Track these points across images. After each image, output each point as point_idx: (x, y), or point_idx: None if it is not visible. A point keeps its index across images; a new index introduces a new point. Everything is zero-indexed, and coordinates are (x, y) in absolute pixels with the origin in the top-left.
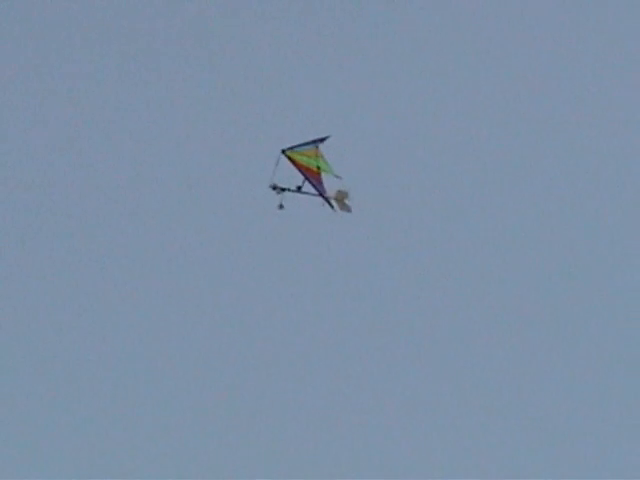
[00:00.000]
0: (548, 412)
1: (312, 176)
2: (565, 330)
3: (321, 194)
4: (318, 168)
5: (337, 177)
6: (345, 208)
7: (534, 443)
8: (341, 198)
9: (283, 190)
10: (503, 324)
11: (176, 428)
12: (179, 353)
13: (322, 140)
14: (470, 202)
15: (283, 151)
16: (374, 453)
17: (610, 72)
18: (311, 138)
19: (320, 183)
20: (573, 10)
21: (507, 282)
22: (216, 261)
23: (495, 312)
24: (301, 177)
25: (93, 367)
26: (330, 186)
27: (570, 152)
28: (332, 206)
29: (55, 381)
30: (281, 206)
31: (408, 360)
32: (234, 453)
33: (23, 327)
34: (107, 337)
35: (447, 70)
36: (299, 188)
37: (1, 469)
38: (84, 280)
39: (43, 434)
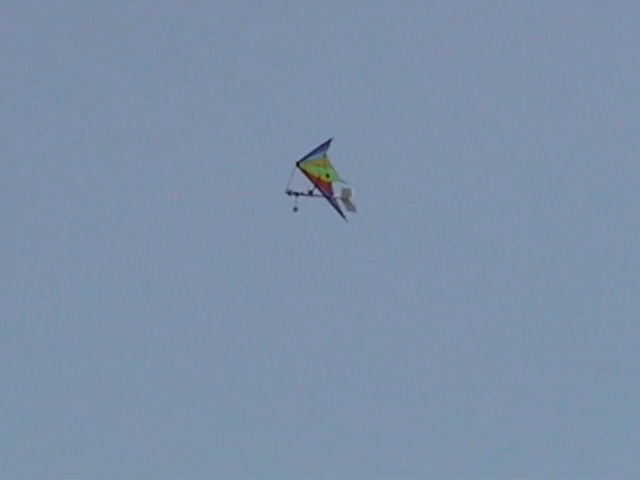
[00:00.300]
0: (546, 414)
1: (324, 187)
2: (565, 334)
3: (332, 203)
4: (327, 176)
5: (343, 182)
6: (350, 207)
7: (533, 443)
8: (346, 197)
9: (297, 195)
10: (505, 321)
11: (176, 430)
12: (192, 353)
13: (327, 144)
14: (470, 200)
15: (297, 164)
16: (374, 454)
17: (610, 75)
18: (310, 138)
19: (331, 193)
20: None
21: (507, 280)
22: (237, 257)
23: (495, 309)
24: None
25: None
26: (336, 186)
27: (578, 153)
28: (344, 216)
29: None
30: (295, 208)
31: (418, 359)
32: (234, 452)
33: (22, 324)
34: (114, 343)
35: (448, 73)
36: (311, 192)
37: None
38: (103, 288)
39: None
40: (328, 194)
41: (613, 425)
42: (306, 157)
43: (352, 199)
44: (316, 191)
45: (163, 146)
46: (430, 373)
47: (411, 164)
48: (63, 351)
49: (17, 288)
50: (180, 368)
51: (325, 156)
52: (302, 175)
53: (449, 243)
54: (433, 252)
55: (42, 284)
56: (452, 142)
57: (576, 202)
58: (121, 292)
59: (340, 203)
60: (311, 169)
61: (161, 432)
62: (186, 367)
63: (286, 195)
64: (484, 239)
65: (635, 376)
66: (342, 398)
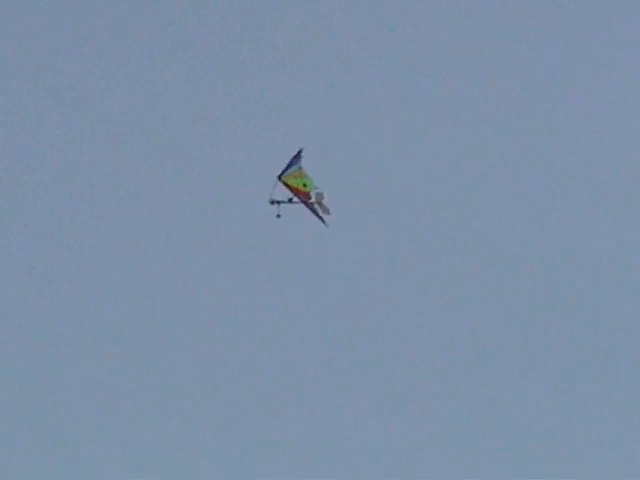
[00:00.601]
0: (546, 414)
1: (302, 195)
2: (564, 333)
3: (311, 209)
4: (305, 186)
5: (317, 189)
6: (325, 210)
7: (532, 443)
8: (319, 200)
9: (279, 203)
10: (492, 322)
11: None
12: (182, 355)
13: (299, 154)
14: (449, 198)
15: (279, 178)
16: (373, 453)
17: (610, 75)
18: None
19: (308, 199)
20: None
21: (491, 278)
22: (226, 259)
23: (482, 306)
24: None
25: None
26: (312, 192)
27: (543, 157)
28: (323, 221)
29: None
30: (278, 215)
31: (408, 359)
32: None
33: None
34: (109, 347)
35: (416, 76)
36: (290, 200)
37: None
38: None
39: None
40: (306, 201)
41: (613, 425)
42: (285, 170)
43: (325, 202)
44: (295, 198)
45: (159, 153)
46: (418, 372)
47: (384, 165)
48: (63, 351)
49: (17, 288)
50: (167, 369)
51: (300, 167)
52: (283, 185)
53: (431, 241)
54: (413, 248)
55: (42, 284)
56: (425, 143)
57: (563, 202)
58: (109, 296)
59: (317, 207)
60: (291, 181)
61: (161, 432)
62: (173, 368)
63: (269, 205)
64: (467, 235)
65: (635, 376)
66: (336, 398)
